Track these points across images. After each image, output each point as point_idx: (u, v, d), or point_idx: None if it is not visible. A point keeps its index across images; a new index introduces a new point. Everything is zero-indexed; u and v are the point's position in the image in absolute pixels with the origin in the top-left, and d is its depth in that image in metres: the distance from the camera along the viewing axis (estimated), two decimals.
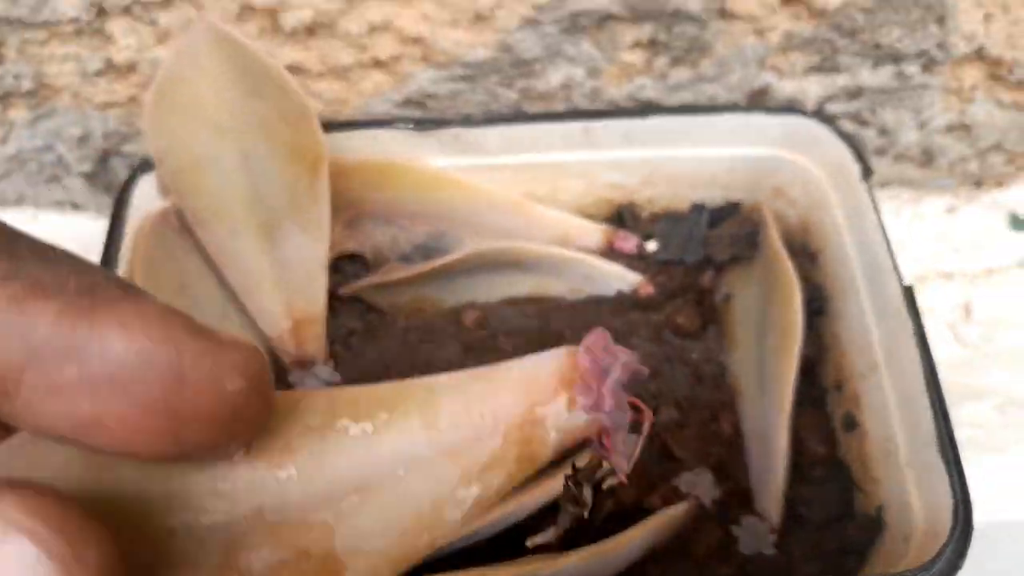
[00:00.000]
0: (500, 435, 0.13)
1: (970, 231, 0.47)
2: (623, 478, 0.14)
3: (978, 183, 0.47)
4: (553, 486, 0.28)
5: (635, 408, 0.14)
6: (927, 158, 0.45)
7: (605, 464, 0.15)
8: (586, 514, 0.15)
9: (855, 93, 0.40)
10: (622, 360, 0.14)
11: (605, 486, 0.16)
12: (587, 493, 0.15)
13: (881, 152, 0.44)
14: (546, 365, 0.14)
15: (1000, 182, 0.47)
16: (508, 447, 0.13)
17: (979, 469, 0.40)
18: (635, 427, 0.15)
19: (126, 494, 0.13)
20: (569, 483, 0.16)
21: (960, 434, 0.41)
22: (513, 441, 0.13)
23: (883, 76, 0.40)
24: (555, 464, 0.29)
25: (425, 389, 0.14)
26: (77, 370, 0.12)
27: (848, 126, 0.42)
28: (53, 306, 0.12)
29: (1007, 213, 0.47)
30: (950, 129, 0.43)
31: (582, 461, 0.17)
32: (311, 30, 0.36)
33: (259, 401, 0.13)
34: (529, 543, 0.16)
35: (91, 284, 0.12)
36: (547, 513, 0.29)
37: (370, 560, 0.13)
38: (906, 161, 0.45)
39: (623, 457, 0.14)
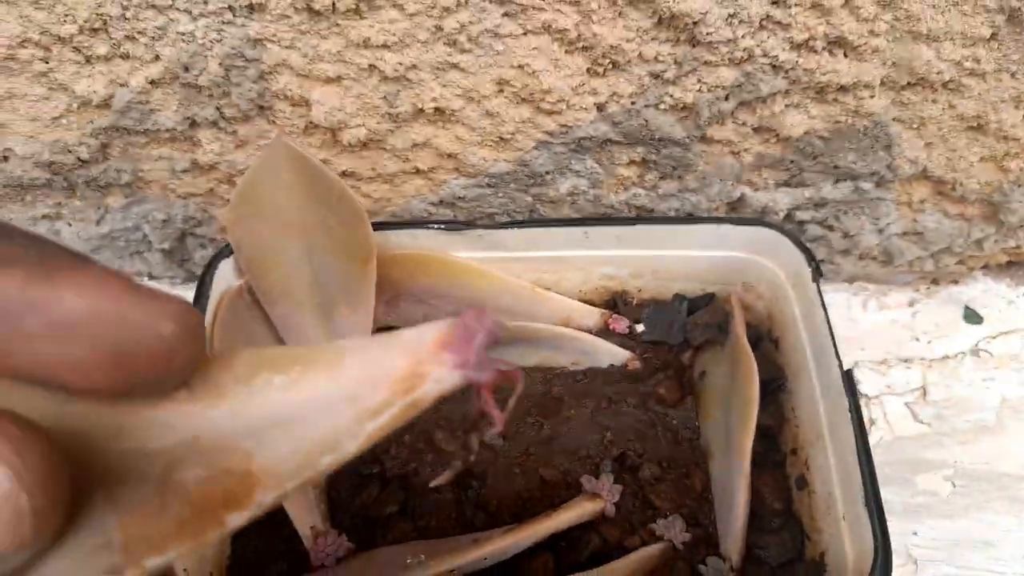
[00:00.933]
0: (388, 387, 0.16)
1: (929, 322, 0.53)
2: (500, 426, 0.17)
3: (935, 280, 0.54)
4: (543, 527, 0.35)
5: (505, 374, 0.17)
6: (887, 258, 0.51)
7: (486, 415, 0.17)
8: (472, 458, 0.18)
9: (820, 204, 0.47)
10: (487, 327, 0.16)
11: (486, 437, 0.18)
12: (473, 441, 0.18)
13: (846, 252, 0.51)
14: (431, 332, 0.16)
15: (955, 280, 0.54)
16: (394, 396, 0.16)
17: (931, 531, 0.46)
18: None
19: (85, 424, 0.15)
20: (459, 434, 0.19)
21: (915, 501, 0.47)
22: (398, 391, 0.16)
23: (843, 190, 0.47)
24: (549, 509, 0.35)
25: (335, 351, 0.17)
26: (39, 321, 0.14)
27: (816, 230, 0.49)
28: (18, 273, 0.14)
29: (962, 306, 0.53)
30: (905, 234, 0.50)
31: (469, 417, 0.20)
32: (364, 144, 0.44)
33: (191, 344, 0.15)
34: (432, 483, 0.19)
35: (45, 255, 0.15)
36: (539, 550, 0.36)
37: (279, 477, 0.16)
38: (869, 260, 0.52)
39: (495, 407, 0.17)
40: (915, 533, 0.46)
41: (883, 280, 0.53)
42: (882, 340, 0.52)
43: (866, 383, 0.50)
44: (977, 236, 0.49)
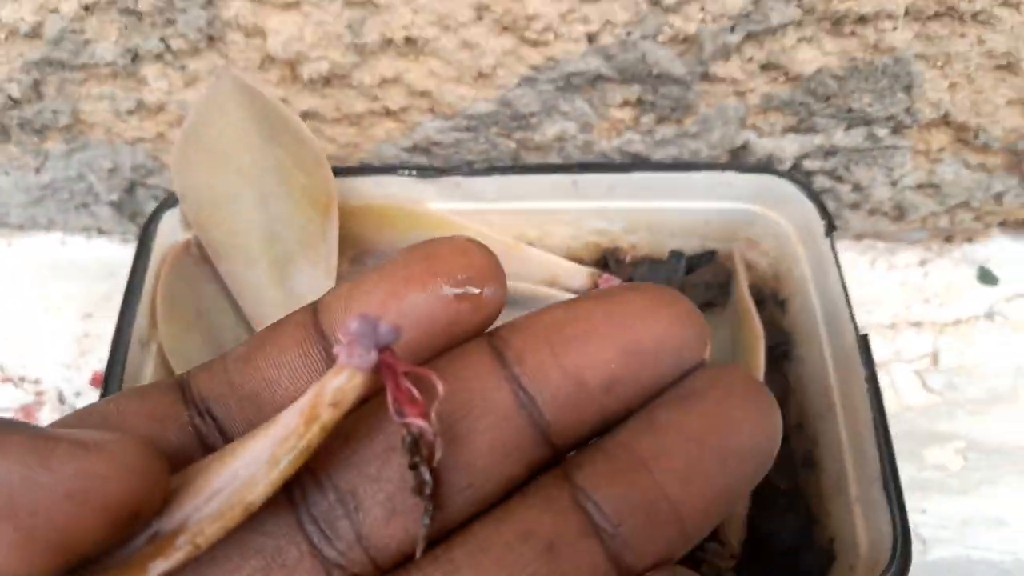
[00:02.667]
0: (297, 416, 0.17)
1: (941, 283, 0.49)
2: (430, 436, 0.17)
3: (949, 238, 0.50)
4: None
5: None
6: (899, 213, 0.47)
7: (421, 442, 0.17)
8: (428, 491, 0.17)
9: (830, 152, 0.43)
10: (352, 327, 0.16)
11: (435, 459, 0.17)
12: (424, 473, 0.17)
13: (855, 206, 0.47)
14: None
15: (970, 238, 0.50)
16: (298, 425, 0.17)
17: (941, 508, 0.43)
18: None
19: None
20: (412, 475, 0.17)
21: (924, 475, 0.44)
22: (305, 418, 0.17)
23: (856, 137, 0.42)
24: None
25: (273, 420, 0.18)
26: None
27: (824, 181, 0.45)
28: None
29: (977, 267, 0.50)
30: (920, 187, 0.46)
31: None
32: (327, 80, 0.39)
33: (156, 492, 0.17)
34: (418, 553, 0.18)
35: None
36: None
37: (200, 525, 0.17)
38: (880, 215, 0.48)
39: (410, 401, 0.17)
40: (923, 511, 0.42)
41: (893, 238, 0.50)
42: (891, 302, 0.48)
43: (873, 349, 0.47)
44: (998, 189, 0.45)
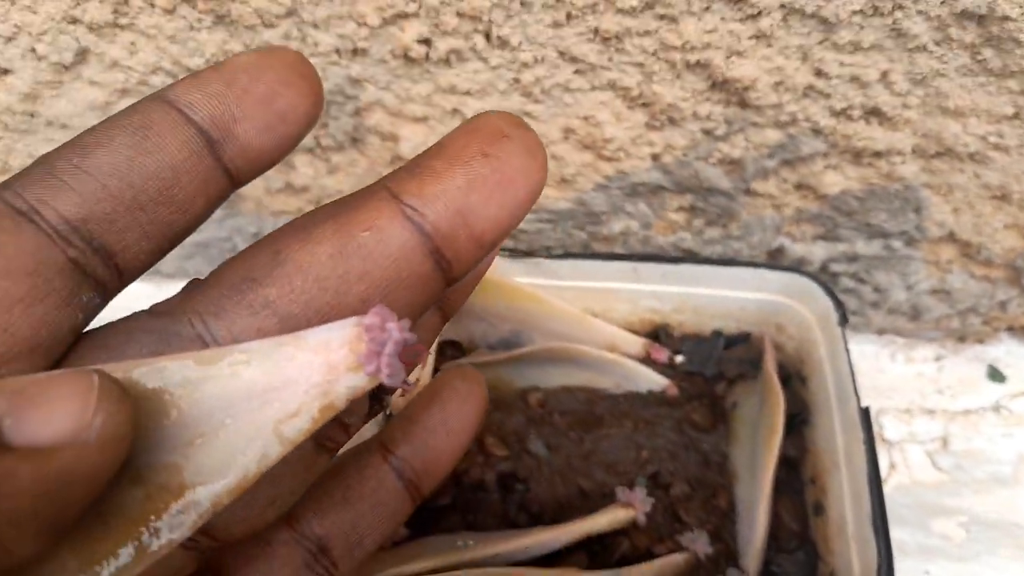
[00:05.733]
0: (303, 390, 0.16)
1: (953, 377, 0.56)
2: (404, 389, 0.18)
3: (961, 338, 0.57)
4: (579, 528, 0.39)
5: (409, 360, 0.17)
6: (915, 313, 0.55)
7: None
8: (384, 412, 0.20)
9: (853, 258, 0.51)
10: (394, 337, 0.17)
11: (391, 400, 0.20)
12: (387, 406, 0.20)
13: (876, 306, 0.55)
14: (338, 336, 0.16)
15: (981, 339, 0.57)
16: (311, 400, 0.16)
17: (943, 572, 0.48)
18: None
19: None
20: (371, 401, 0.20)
21: (929, 543, 0.50)
22: (315, 396, 0.16)
23: (874, 247, 0.50)
24: (584, 511, 0.39)
25: (241, 352, 0.16)
26: None
27: (848, 283, 0.53)
28: None
29: (987, 365, 0.56)
30: (933, 292, 0.53)
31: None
32: None
33: None
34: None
35: None
36: (575, 548, 0.39)
37: (209, 488, 0.16)
38: (898, 314, 0.55)
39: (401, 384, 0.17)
40: (927, 572, 0.48)
41: (911, 334, 0.57)
42: (907, 391, 0.55)
43: (890, 429, 0.54)
44: (1001, 298, 0.52)
